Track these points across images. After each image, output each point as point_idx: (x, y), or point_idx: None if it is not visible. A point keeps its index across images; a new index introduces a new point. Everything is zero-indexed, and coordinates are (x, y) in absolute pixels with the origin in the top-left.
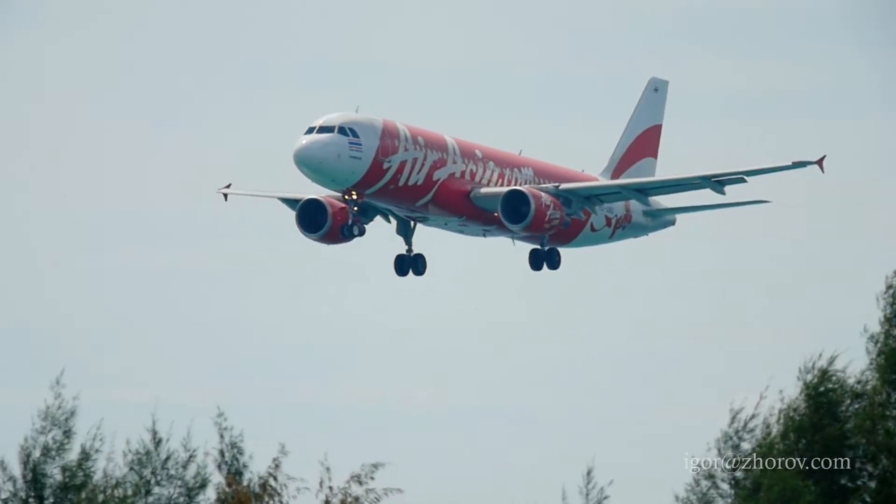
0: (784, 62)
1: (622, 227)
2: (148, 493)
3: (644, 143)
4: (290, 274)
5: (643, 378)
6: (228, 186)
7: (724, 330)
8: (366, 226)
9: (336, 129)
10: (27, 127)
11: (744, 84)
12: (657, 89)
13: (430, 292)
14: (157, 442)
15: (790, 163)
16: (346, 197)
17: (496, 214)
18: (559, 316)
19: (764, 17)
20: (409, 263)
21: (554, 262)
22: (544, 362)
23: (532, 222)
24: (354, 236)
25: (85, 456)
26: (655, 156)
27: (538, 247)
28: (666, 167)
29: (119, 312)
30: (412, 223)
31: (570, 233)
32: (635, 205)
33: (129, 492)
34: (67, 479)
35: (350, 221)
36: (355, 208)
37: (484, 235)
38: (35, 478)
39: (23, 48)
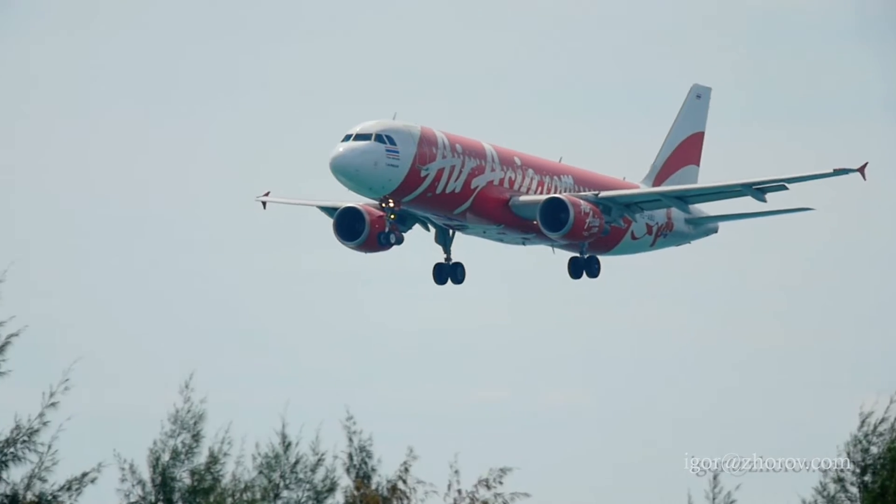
0: (828, 67)
1: (663, 235)
2: (276, 496)
3: (686, 151)
4: (330, 281)
5: (741, 382)
6: (267, 194)
7: (806, 334)
8: (404, 234)
9: (373, 137)
10: (71, 133)
11: (788, 90)
12: (700, 96)
13: (470, 299)
14: (287, 445)
15: (831, 170)
16: (383, 205)
17: (535, 222)
18: (621, 321)
19: (809, 22)
20: (448, 272)
21: (593, 271)
22: (631, 366)
23: (571, 230)
24: (392, 244)
25: (213, 459)
26: (698, 163)
27: (577, 255)
28: (708, 175)
29: (233, 316)
30: (451, 231)
31: (611, 241)
32: (677, 213)
33: (258, 495)
34: (196, 483)
35: (387, 229)
36: (392, 216)
37: (523, 244)
38: (164, 482)
39: (58, 48)
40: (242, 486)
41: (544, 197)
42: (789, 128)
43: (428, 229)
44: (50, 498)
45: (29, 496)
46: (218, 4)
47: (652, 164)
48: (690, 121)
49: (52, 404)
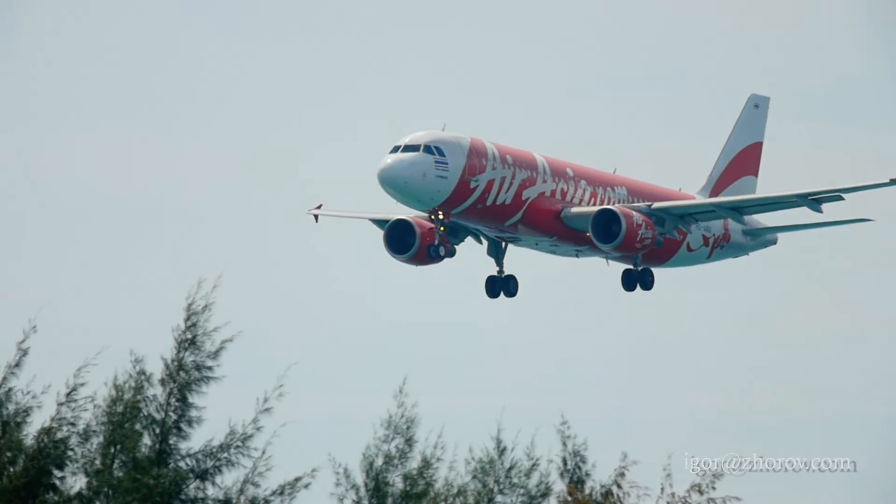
0: (889, 76)
1: (720, 247)
2: (490, 501)
3: (744, 161)
4: (385, 292)
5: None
6: (319, 207)
7: (873, 347)
8: (456, 246)
9: (422, 148)
10: (130, 145)
11: (848, 100)
12: (758, 106)
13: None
14: (502, 450)
15: (888, 180)
16: (433, 217)
17: (587, 234)
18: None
19: (869, 30)
20: (501, 285)
21: (647, 283)
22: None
23: (623, 242)
24: (441, 257)
25: (426, 464)
26: (756, 174)
27: (631, 267)
28: (767, 186)
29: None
30: (503, 244)
31: (666, 253)
32: (734, 224)
33: (471, 500)
34: (409, 488)
35: (436, 242)
36: (442, 228)
37: (577, 256)
38: (377, 486)
39: (104, 63)
40: (455, 490)
41: (596, 208)
42: (849, 137)
43: (480, 242)
44: (262, 502)
45: (242, 501)
46: (268, 16)
47: (709, 174)
48: (748, 131)
49: (266, 410)
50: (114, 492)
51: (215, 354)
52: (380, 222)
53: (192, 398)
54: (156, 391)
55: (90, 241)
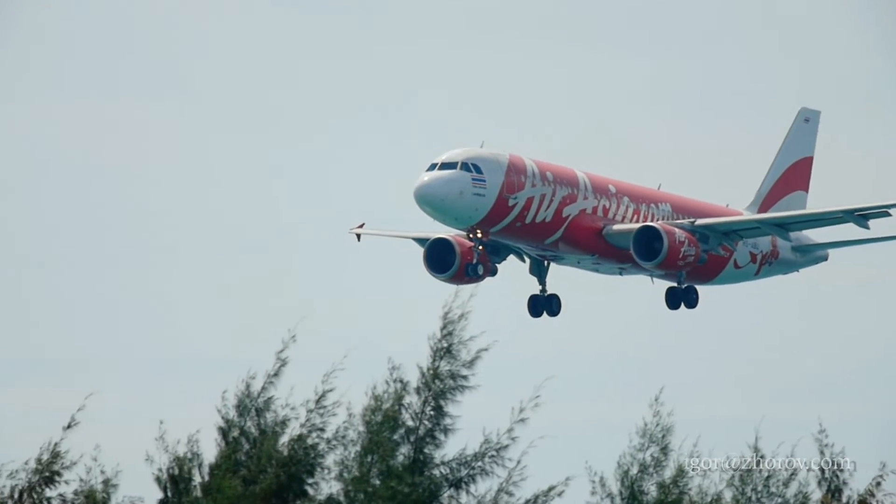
0: None
1: (768, 264)
2: None
3: (794, 176)
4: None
5: None
6: (362, 226)
7: None
8: (498, 265)
9: (459, 166)
10: (166, 167)
11: None
12: (808, 120)
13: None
14: (759, 459)
15: None
16: (471, 236)
17: (629, 252)
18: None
19: None
20: (543, 304)
21: (691, 301)
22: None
23: (665, 259)
24: (480, 276)
25: (681, 473)
26: (806, 189)
27: (675, 285)
28: (818, 201)
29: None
30: (545, 262)
31: (712, 270)
32: (783, 240)
33: None
34: (663, 497)
35: (475, 261)
36: (480, 247)
37: (620, 274)
38: (632, 495)
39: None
40: (709, 499)
41: (638, 225)
42: None
43: (523, 260)
44: None
45: None
46: (311, 33)
47: (757, 190)
48: (798, 145)
49: (522, 420)
50: (369, 499)
51: (471, 363)
52: (422, 241)
53: (447, 407)
54: (412, 399)
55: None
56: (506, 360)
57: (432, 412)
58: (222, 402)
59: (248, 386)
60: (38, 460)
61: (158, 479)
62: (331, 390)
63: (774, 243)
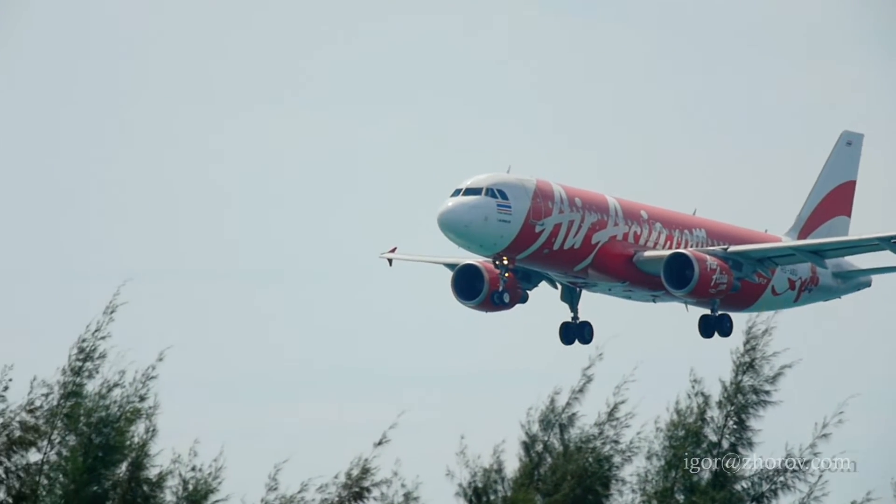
0: None
1: (808, 290)
2: None
3: (836, 201)
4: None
5: None
6: (393, 250)
7: None
8: (529, 291)
9: (484, 191)
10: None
11: None
12: (850, 143)
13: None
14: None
15: None
16: (497, 263)
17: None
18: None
19: None
20: (575, 331)
21: (725, 329)
22: None
23: (696, 287)
24: (507, 304)
25: None
26: (849, 214)
27: (709, 312)
28: (861, 227)
29: None
30: (577, 289)
31: (749, 297)
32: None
33: None
34: None
35: (500, 288)
36: (507, 274)
37: (653, 301)
38: None
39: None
40: None
41: (668, 252)
42: None
43: (555, 286)
44: None
45: None
46: (343, 51)
47: (798, 214)
48: (840, 169)
49: (825, 436)
50: None
51: (773, 379)
52: (452, 266)
53: (749, 422)
54: (714, 413)
55: None
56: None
57: (734, 426)
58: (526, 418)
59: (552, 401)
60: (348, 475)
61: (464, 493)
62: (622, 402)
63: (814, 270)
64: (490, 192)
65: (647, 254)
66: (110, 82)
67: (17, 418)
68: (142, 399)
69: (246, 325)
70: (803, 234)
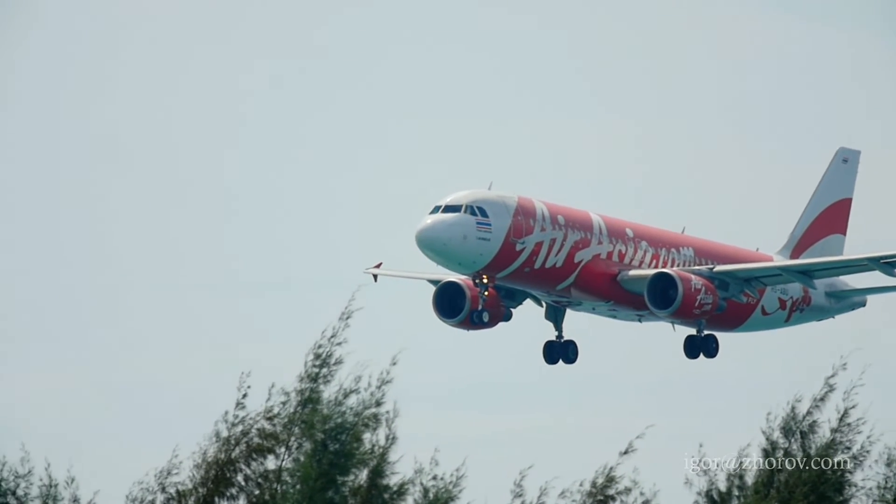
0: None
1: (800, 310)
2: None
3: (831, 219)
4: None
5: None
6: (378, 266)
7: None
8: (513, 309)
9: (463, 209)
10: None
11: None
12: (847, 160)
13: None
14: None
15: None
16: (477, 281)
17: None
18: None
19: None
20: (559, 351)
21: (711, 350)
22: None
23: (680, 308)
24: (485, 324)
25: None
26: (844, 232)
27: (694, 333)
28: (856, 246)
29: None
30: (562, 308)
31: (738, 317)
32: (817, 284)
33: None
34: None
35: (479, 307)
36: (486, 293)
37: (639, 321)
38: None
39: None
40: None
41: (652, 272)
42: None
43: (540, 304)
44: None
45: None
46: (334, 74)
47: (791, 233)
48: (836, 186)
49: None
50: None
51: None
52: (436, 283)
53: None
54: None
55: None
56: None
57: None
58: (767, 424)
59: (793, 409)
60: (593, 483)
61: (710, 499)
62: (853, 407)
63: (806, 289)
64: (470, 209)
65: (632, 273)
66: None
67: (257, 425)
68: (378, 404)
69: None
70: (796, 252)
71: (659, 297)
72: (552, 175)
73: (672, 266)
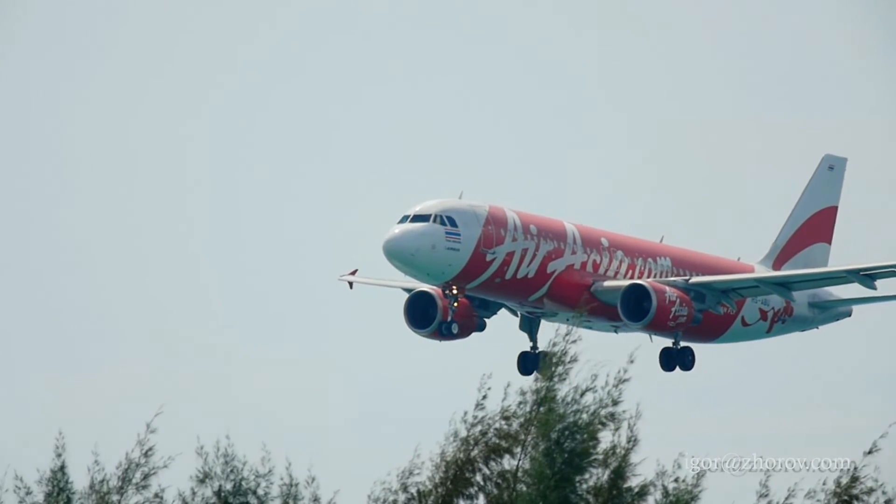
0: None
1: (781, 321)
2: None
3: (815, 227)
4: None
5: None
6: (354, 273)
7: None
8: (487, 319)
9: (432, 218)
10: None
11: None
12: (832, 167)
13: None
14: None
15: None
16: (446, 292)
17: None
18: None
19: None
20: (534, 362)
21: (687, 363)
22: None
23: (654, 320)
24: (453, 335)
25: None
26: (829, 241)
27: (670, 345)
28: (842, 254)
29: None
30: (537, 318)
31: (717, 328)
32: (799, 295)
33: None
34: None
35: (449, 318)
36: (456, 304)
37: (615, 331)
38: None
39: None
40: None
41: (626, 283)
42: None
43: (516, 314)
44: None
45: None
46: (311, 84)
47: (773, 242)
48: (821, 194)
49: None
50: None
51: None
52: (410, 291)
53: None
54: None
55: None
56: None
57: None
58: None
59: None
60: (837, 483)
61: None
62: None
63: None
64: (439, 219)
65: (607, 283)
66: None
67: (495, 425)
68: (615, 403)
69: None
70: (779, 262)
71: (633, 309)
72: (528, 184)
73: (649, 276)
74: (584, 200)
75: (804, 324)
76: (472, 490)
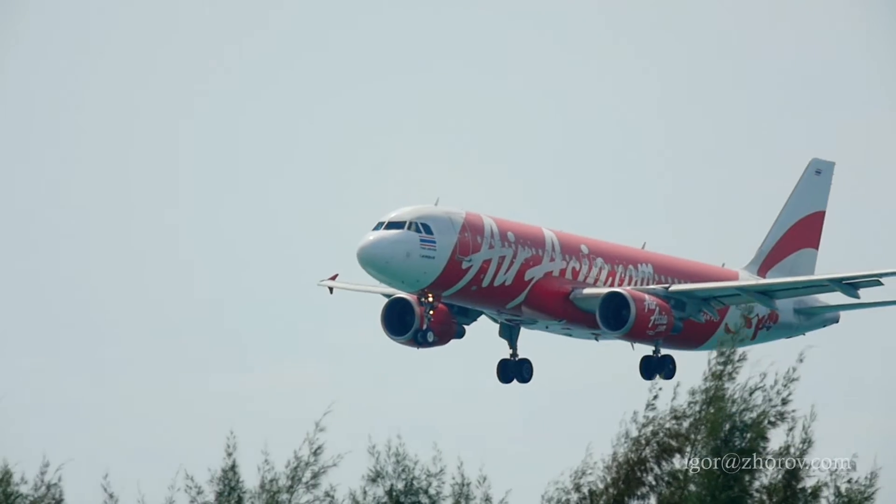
0: None
1: (766, 328)
2: None
3: (802, 232)
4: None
5: None
6: (334, 278)
7: None
8: (466, 326)
9: (407, 225)
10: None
11: None
12: (820, 171)
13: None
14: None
15: None
16: (422, 299)
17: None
18: None
19: None
20: (513, 369)
21: (668, 371)
22: None
23: (632, 329)
24: (429, 343)
25: None
26: (816, 247)
27: (651, 353)
28: (829, 261)
29: None
30: (516, 326)
31: (699, 336)
32: (784, 302)
33: None
34: None
35: (424, 327)
36: (431, 312)
37: (595, 339)
38: None
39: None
40: None
41: (605, 290)
42: None
43: (496, 321)
44: None
45: None
46: (297, 89)
47: (759, 247)
48: (808, 199)
49: None
50: None
51: None
52: (390, 297)
53: None
54: None
55: None
56: None
57: None
58: None
59: None
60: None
61: None
62: None
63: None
64: (414, 226)
65: (586, 291)
66: None
67: (666, 425)
68: (784, 402)
69: None
70: (765, 267)
71: (611, 317)
72: (507, 189)
73: (629, 284)
74: (564, 206)
75: (790, 330)
76: (644, 490)
